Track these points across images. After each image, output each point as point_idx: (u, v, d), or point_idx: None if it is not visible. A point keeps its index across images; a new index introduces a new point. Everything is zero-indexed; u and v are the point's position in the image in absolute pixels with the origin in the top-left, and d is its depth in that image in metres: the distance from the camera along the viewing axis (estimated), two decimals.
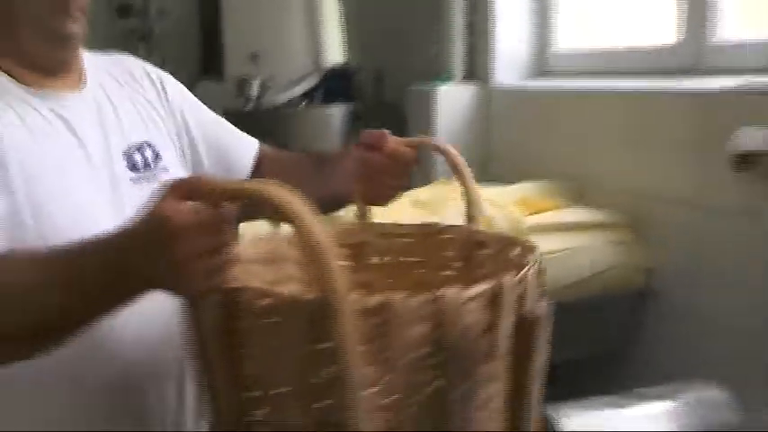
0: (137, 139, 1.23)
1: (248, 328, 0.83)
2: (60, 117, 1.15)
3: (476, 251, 1.11)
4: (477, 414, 0.84)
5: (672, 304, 2.07)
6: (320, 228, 0.72)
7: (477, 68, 3.02)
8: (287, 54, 4.10)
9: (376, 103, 3.60)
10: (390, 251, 1.19)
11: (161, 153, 1.26)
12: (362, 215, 1.21)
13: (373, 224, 1.20)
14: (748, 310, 1.79)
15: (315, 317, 0.75)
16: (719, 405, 1.40)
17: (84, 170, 1.14)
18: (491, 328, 0.83)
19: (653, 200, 2.17)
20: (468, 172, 1.12)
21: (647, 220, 2.18)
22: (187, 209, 0.76)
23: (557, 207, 2.30)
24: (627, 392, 1.30)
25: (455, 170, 1.12)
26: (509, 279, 0.84)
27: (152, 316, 1.11)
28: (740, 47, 2.11)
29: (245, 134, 1.44)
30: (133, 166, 1.20)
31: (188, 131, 1.34)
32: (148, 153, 1.24)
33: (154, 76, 1.35)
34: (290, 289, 1.11)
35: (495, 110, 2.93)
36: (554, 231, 2.13)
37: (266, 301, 0.80)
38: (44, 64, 1.17)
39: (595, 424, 1.19)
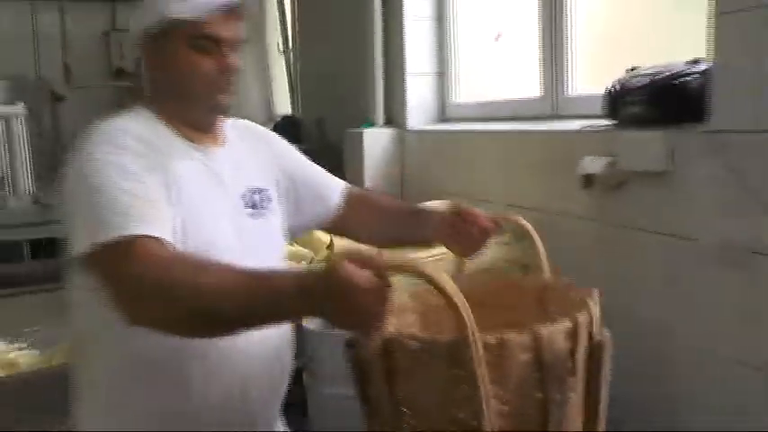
0: (255, 185, 1.25)
1: (402, 361, 0.88)
2: (209, 166, 1.19)
3: (545, 294, 1.13)
4: (567, 415, 0.89)
5: None
6: (458, 292, 0.79)
7: (394, 116, 3.06)
8: (246, 107, 4.12)
9: (319, 145, 3.57)
10: (486, 295, 1.18)
11: (270, 196, 1.28)
12: (460, 269, 1.23)
13: (470, 276, 1.22)
14: (594, 281, 1.84)
15: (452, 351, 0.82)
16: None
17: (222, 206, 1.18)
18: (572, 352, 0.88)
19: (525, 210, 2.14)
20: (539, 241, 1.16)
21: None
22: (365, 275, 0.82)
23: None
24: None
25: (529, 239, 1.16)
26: (582, 316, 0.89)
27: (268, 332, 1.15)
28: (583, 99, 2.17)
29: (334, 177, 1.44)
30: (251, 205, 1.23)
31: (291, 178, 1.35)
32: (262, 196, 1.25)
33: (266, 137, 1.39)
34: (416, 330, 1.15)
35: (408, 147, 2.97)
36: None
37: (415, 343, 0.87)
38: (202, 125, 1.21)
39: None
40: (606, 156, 1.78)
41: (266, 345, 1.19)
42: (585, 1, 2.25)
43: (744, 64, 1.43)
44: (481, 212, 1.25)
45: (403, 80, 2.98)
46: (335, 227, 1.44)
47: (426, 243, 1.35)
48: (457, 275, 1.21)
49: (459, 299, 0.79)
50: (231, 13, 1.16)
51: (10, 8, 4.82)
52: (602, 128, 1.86)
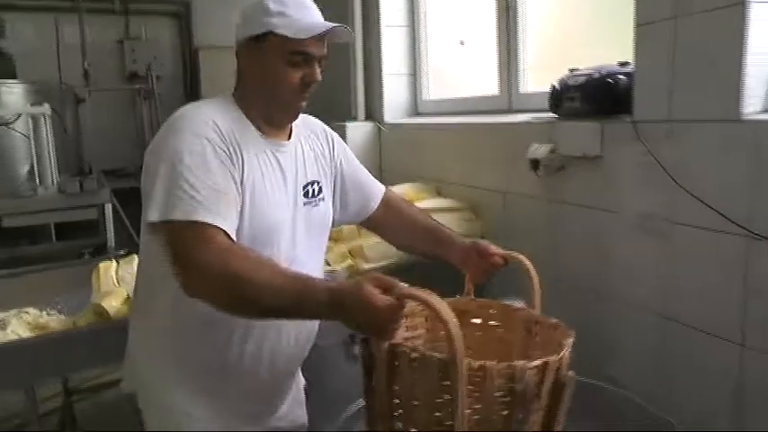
0: (311, 177, 1.25)
1: (402, 366, 0.94)
2: (276, 157, 1.18)
3: (533, 326, 1.16)
4: (525, 430, 0.95)
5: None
6: (454, 320, 0.85)
7: (373, 111, 3.07)
8: None
9: None
10: (482, 317, 1.22)
11: (323, 188, 1.27)
12: (469, 293, 1.26)
13: (473, 300, 1.25)
14: (541, 248, 1.86)
15: (442, 367, 0.88)
16: None
17: (282, 194, 1.18)
18: (540, 383, 0.94)
19: (483, 191, 2.23)
20: (536, 278, 1.17)
21: (480, 204, 2.25)
22: (384, 298, 0.89)
23: (425, 198, 2.34)
24: None
25: (529, 277, 1.18)
26: (552, 359, 0.94)
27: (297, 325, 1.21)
28: (532, 96, 2.21)
29: (377, 180, 1.43)
30: (305, 195, 1.22)
31: (342, 174, 1.34)
32: (315, 187, 1.25)
33: (327, 135, 1.35)
34: (420, 333, 1.18)
35: (385, 138, 2.99)
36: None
37: (414, 354, 0.92)
38: (278, 123, 1.21)
39: None
40: (550, 143, 1.82)
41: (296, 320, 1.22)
42: (535, 13, 2.28)
43: (657, 66, 1.48)
44: (495, 249, 1.28)
45: (380, 80, 3.00)
46: (369, 224, 1.44)
47: (443, 261, 1.35)
48: (461, 296, 1.26)
49: (455, 329, 0.84)
50: (325, 36, 1.16)
51: (36, 22, 4.81)
52: (547, 119, 1.90)
